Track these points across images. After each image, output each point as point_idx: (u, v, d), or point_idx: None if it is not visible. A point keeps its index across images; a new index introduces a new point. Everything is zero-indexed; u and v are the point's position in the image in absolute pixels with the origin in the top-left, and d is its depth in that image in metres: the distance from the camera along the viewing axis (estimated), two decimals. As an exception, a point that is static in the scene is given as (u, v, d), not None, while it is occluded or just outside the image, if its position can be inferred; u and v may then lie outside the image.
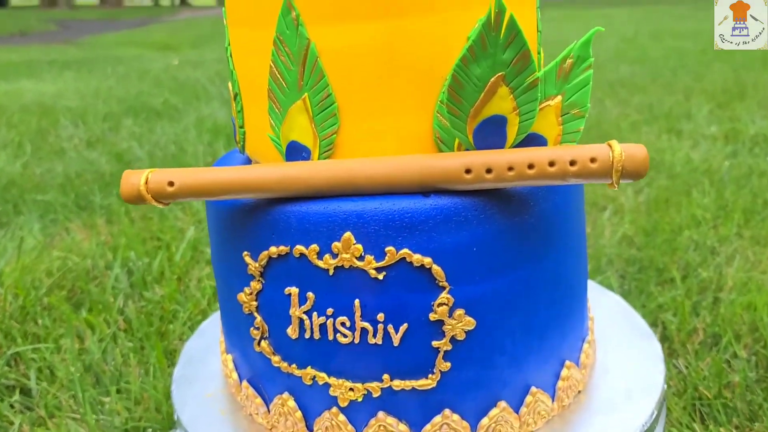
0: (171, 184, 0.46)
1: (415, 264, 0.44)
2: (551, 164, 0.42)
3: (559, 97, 0.46)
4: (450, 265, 0.44)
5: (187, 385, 0.62)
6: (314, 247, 0.45)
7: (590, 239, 1.11)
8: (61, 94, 2.75)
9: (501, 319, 0.47)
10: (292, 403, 0.51)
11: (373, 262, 0.44)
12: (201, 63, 3.86)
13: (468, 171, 0.43)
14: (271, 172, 0.45)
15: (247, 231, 0.48)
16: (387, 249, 0.44)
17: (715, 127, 1.78)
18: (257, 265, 0.48)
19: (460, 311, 0.45)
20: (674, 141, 1.68)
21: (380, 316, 0.45)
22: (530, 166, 0.42)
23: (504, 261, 0.46)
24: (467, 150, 0.46)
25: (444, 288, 0.45)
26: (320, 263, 0.45)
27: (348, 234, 0.44)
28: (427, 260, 0.44)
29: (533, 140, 0.46)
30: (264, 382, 0.53)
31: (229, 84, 0.56)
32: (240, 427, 0.55)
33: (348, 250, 0.44)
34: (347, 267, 0.45)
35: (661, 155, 1.55)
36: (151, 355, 0.81)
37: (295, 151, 0.48)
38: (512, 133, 0.45)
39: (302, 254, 0.45)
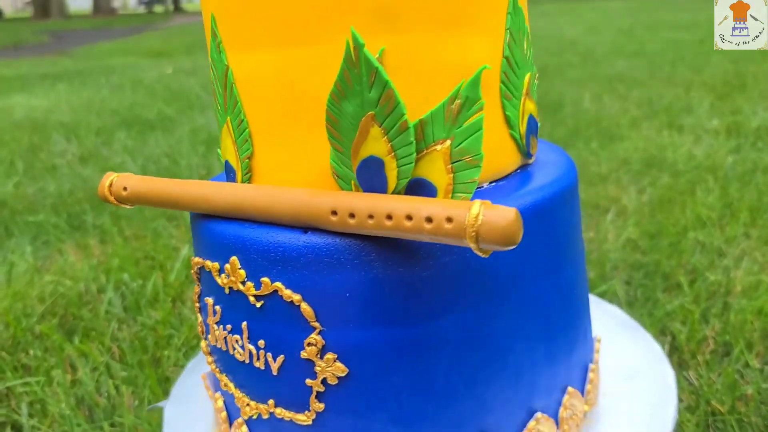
0: (125, 189, 0.50)
1: (286, 299, 0.42)
2: (408, 218, 0.37)
3: (449, 142, 0.41)
4: (321, 306, 0.42)
5: (179, 423, 0.59)
6: (215, 264, 0.47)
7: (593, 243, 1.08)
8: (53, 109, 2.73)
9: (381, 373, 0.43)
10: (221, 402, 0.53)
11: (252, 289, 0.44)
12: (195, 70, 3.84)
13: (334, 213, 0.40)
14: (192, 189, 0.48)
15: (193, 238, 0.52)
16: (262, 279, 0.43)
17: (716, 121, 1.75)
18: (194, 270, 0.51)
19: (331, 355, 0.42)
20: (675, 137, 1.65)
21: (261, 343, 0.45)
22: (389, 217, 0.37)
23: (387, 313, 0.42)
24: (357, 190, 0.43)
25: (314, 328, 0.42)
26: (218, 280, 0.47)
27: (234, 258, 0.45)
28: (297, 297, 0.42)
29: (421, 188, 0.41)
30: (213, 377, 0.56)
31: None
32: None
33: (234, 274, 0.45)
34: (235, 289, 0.45)
35: (663, 152, 1.52)
36: (146, 385, 0.78)
37: (229, 171, 0.51)
38: (392, 177, 0.41)
39: (209, 269, 0.48)
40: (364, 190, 0.42)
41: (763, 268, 0.96)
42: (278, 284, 0.43)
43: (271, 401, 0.47)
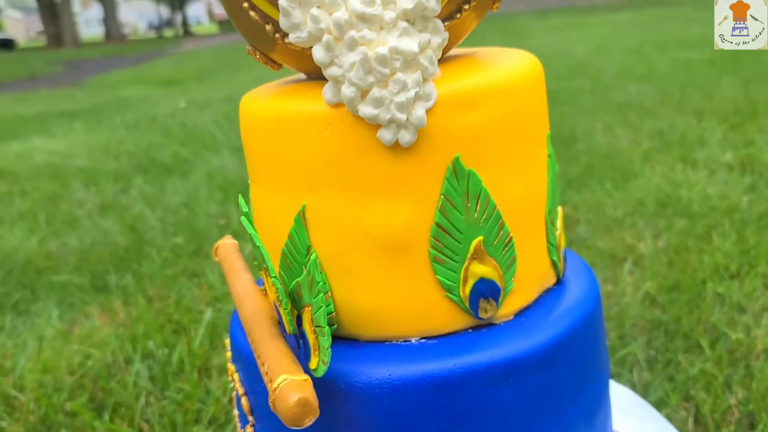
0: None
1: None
2: (262, 365, 0.42)
3: (309, 308, 0.43)
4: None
5: None
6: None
7: (612, 298, 1.09)
8: (71, 152, 2.77)
9: None
10: None
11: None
12: (207, 104, 3.88)
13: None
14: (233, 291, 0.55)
15: None
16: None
17: (729, 154, 1.75)
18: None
19: None
20: (690, 172, 1.66)
21: None
22: (259, 357, 0.44)
23: None
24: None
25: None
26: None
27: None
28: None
29: (304, 340, 0.46)
30: None
31: None
32: None
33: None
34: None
35: (678, 191, 1.52)
36: (176, 468, 0.80)
37: None
38: (286, 323, 0.45)
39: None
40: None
41: (783, 325, 0.96)
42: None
43: None
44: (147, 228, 1.67)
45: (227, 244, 0.63)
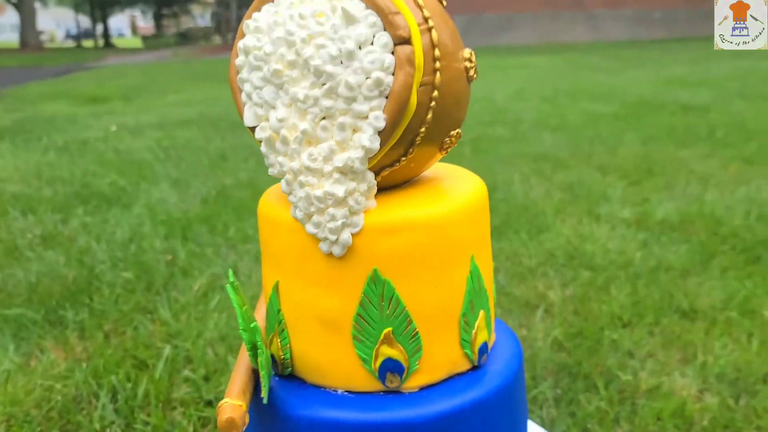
0: None
1: None
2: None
3: None
4: None
5: None
6: None
7: (527, 342, 1.27)
8: (2, 177, 2.76)
9: None
10: None
11: None
12: (139, 130, 3.91)
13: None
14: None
15: None
16: None
17: (627, 210, 2.00)
18: None
19: None
20: (594, 227, 1.89)
21: None
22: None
23: None
24: None
25: None
26: None
27: None
28: None
29: None
30: None
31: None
32: None
33: None
34: None
35: (584, 244, 1.74)
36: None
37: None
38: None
39: None
40: None
41: (663, 369, 1.16)
42: None
43: None
44: (95, 262, 1.73)
45: None
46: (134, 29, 52.69)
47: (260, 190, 2.36)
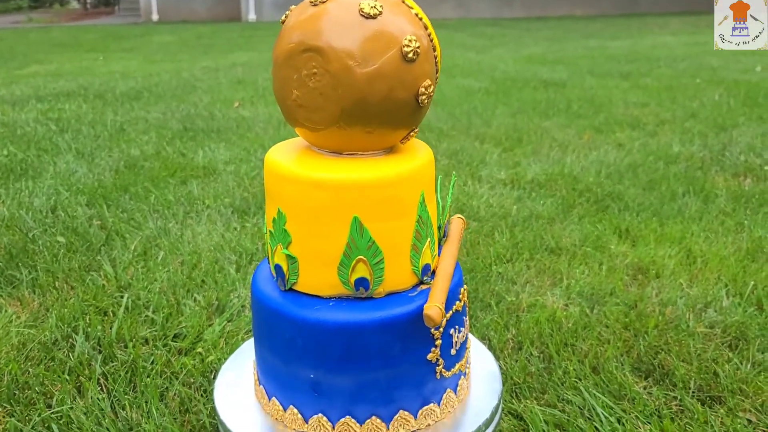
0: None
1: None
2: None
3: None
4: None
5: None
6: None
7: (432, 278, 1.56)
8: None
9: None
10: None
11: None
12: (19, 102, 3.81)
13: None
14: None
15: None
16: None
17: (503, 173, 2.35)
18: None
19: None
20: (477, 187, 2.21)
21: None
22: None
23: None
24: None
25: None
26: None
27: None
28: None
29: None
30: None
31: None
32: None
33: None
34: None
35: (471, 201, 2.06)
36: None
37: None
38: None
39: None
40: None
41: (538, 291, 1.49)
42: None
43: None
44: (27, 228, 1.83)
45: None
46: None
47: (169, 162, 2.49)
